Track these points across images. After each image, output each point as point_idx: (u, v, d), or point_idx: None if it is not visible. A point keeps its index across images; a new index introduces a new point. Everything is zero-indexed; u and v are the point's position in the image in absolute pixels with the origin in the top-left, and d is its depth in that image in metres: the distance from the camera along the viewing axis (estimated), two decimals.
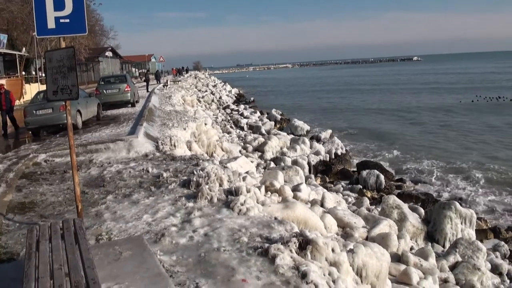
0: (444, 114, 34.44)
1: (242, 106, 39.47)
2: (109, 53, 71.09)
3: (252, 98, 52.80)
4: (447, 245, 9.43)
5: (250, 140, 21.24)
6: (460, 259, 8.29)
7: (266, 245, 5.05)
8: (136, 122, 15.63)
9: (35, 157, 10.98)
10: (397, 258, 7.45)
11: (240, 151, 18.56)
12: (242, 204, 6.43)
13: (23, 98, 31.26)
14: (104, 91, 21.98)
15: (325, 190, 11.44)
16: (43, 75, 34.39)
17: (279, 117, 31.78)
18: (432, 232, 9.90)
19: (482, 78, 73.58)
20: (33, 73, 41.16)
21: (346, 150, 21.10)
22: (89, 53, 52.32)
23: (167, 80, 43.60)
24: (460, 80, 71.28)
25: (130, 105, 22.32)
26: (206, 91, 49.63)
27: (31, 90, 32.28)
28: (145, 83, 36.87)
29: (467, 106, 37.95)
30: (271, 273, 4.51)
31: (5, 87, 16.97)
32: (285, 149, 19.52)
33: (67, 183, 8.58)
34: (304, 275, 4.44)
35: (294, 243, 5.05)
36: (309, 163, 17.68)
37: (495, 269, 8.72)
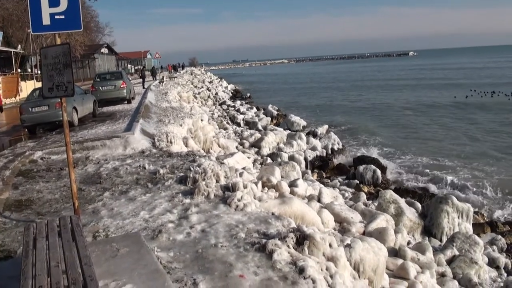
0: (441, 109, 34.48)
1: (238, 102, 39.42)
2: (104, 50, 70.88)
3: (248, 94, 52.79)
4: (444, 239, 9.46)
5: (246, 136, 21.23)
6: (457, 253, 8.33)
7: (264, 240, 5.05)
8: (132, 118, 15.59)
9: (31, 154, 10.95)
10: (395, 252, 7.47)
11: (236, 147, 18.57)
12: (239, 200, 6.42)
13: (19, 95, 31.17)
14: (100, 88, 21.91)
15: (322, 186, 11.45)
16: (39, 72, 34.27)
17: (275, 112, 31.77)
18: (429, 226, 9.93)
19: (478, 73, 73.67)
20: (29, 70, 41.03)
21: (342, 145, 21.13)
22: (84, 49, 52.17)
23: (163, 77, 43.48)
24: (456, 75, 71.30)
25: (126, 102, 22.25)
26: (202, 87, 49.52)
27: (27, 87, 32.21)
28: (141, 80, 36.79)
29: (462, 101, 38.00)
30: (269, 269, 4.51)
31: None
32: (281, 145, 19.54)
33: (64, 180, 8.56)
34: (301, 270, 4.44)
35: (292, 238, 5.05)
36: (305, 159, 17.71)
37: (492, 263, 8.76)
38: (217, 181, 7.49)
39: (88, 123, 15.98)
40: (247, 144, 19.81)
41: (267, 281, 4.29)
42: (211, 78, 71.62)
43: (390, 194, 10.28)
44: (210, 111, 30.61)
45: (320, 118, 31.86)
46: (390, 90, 52.09)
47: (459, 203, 10.04)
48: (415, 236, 9.65)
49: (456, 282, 7.35)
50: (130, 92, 23.00)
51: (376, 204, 10.61)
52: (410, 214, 9.97)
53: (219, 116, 29.44)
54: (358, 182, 14.93)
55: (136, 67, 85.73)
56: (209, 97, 41.05)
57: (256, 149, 18.97)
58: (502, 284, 7.91)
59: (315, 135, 22.89)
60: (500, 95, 39.57)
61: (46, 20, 5.74)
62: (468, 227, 9.88)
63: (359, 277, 5.56)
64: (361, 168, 15.63)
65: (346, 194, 12.82)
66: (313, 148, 19.21)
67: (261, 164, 16.16)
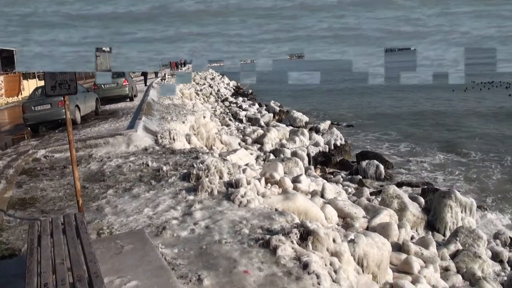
0: (442, 104, 34.41)
1: (240, 99, 39.33)
2: (106, 48, 70.84)
3: (250, 91, 52.68)
4: (448, 233, 9.46)
5: (249, 132, 21.22)
6: (460, 247, 8.32)
7: (267, 236, 5.06)
8: (135, 116, 15.59)
9: (34, 153, 10.96)
10: (398, 247, 7.47)
11: (239, 144, 18.57)
12: (242, 196, 6.43)
13: (21, 94, 31.21)
14: (102, 85, 21.88)
15: (325, 181, 11.46)
16: (41, 70, 34.23)
17: (277, 109, 31.68)
18: (433, 221, 9.93)
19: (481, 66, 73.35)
20: None
21: (345, 141, 21.11)
22: None
23: (165, 74, 43.40)
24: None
25: (128, 100, 22.24)
26: (204, 84, 49.41)
27: (29, 86, 32.21)
28: (143, 77, 36.73)
29: (462, 94, 37.98)
30: (273, 264, 4.52)
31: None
32: (284, 141, 19.52)
33: (67, 178, 8.58)
34: (305, 266, 4.45)
35: (295, 234, 5.05)
36: (308, 155, 17.70)
37: (496, 257, 8.75)
38: (220, 178, 7.50)
39: (91, 121, 15.99)
40: (249, 140, 19.82)
41: (271, 276, 4.30)
42: (212, 75, 71.50)
43: (393, 189, 10.28)
44: (212, 108, 30.56)
45: (323, 114, 31.86)
46: (393, 87, 51.88)
47: (462, 197, 10.03)
48: (419, 231, 9.65)
49: (459, 276, 7.36)
50: (132, 90, 22.97)
51: (379, 199, 10.61)
52: (414, 209, 9.97)
53: (221, 113, 29.42)
54: (361, 177, 14.92)
55: None
56: (211, 94, 40.97)
57: (259, 146, 18.97)
58: (505, 278, 7.90)
59: (317, 131, 22.86)
60: (498, 87, 40.08)
61: None
62: (471, 222, 9.87)
63: (363, 272, 5.57)
64: (364, 163, 15.62)
65: (349, 190, 12.83)
66: (316, 144, 19.20)
67: (264, 160, 16.17)
